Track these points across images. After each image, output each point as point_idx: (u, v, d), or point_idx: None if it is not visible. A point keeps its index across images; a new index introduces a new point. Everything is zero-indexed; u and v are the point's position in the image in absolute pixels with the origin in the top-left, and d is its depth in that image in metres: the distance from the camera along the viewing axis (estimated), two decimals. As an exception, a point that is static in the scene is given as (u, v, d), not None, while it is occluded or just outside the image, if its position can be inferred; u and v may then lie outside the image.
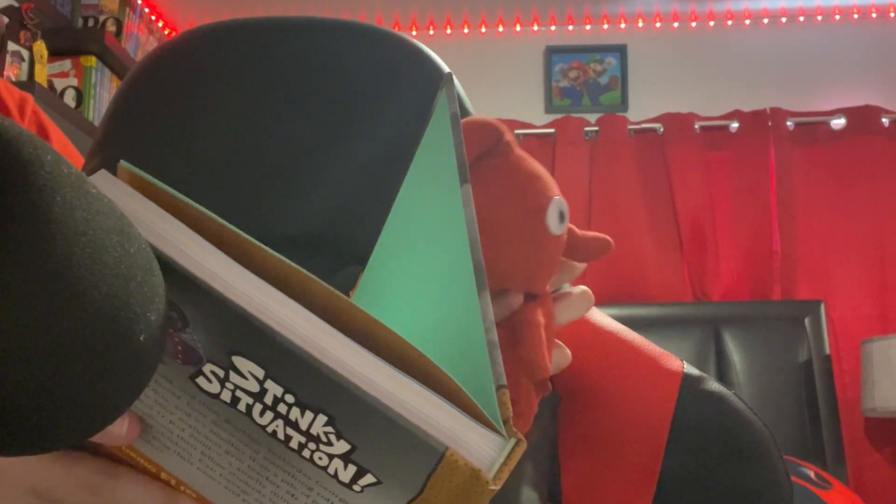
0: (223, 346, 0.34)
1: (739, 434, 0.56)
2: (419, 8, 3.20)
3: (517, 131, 3.06)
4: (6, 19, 2.21)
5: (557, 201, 0.50)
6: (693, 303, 2.95)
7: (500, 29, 3.26)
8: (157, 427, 0.39)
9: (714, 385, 0.58)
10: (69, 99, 2.48)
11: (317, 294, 0.33)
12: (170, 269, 0.33)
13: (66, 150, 0.76)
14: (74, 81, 2.52)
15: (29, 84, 2.16)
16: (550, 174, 0.52)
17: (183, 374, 0.35)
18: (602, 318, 0.61)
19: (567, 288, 0.54)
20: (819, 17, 3.18)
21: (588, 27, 3.26)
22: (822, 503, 2.14)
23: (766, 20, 3.21)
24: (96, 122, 2.51)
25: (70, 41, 2.53)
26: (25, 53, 2.22)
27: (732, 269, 3.00)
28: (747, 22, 3.22)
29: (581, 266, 0.54)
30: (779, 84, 3.14)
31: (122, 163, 0.36)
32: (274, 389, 0.33)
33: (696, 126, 3.06)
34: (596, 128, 3.09)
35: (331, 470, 0.34)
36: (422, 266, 0.43)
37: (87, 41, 2.55)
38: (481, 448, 0.32)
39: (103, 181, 0.34)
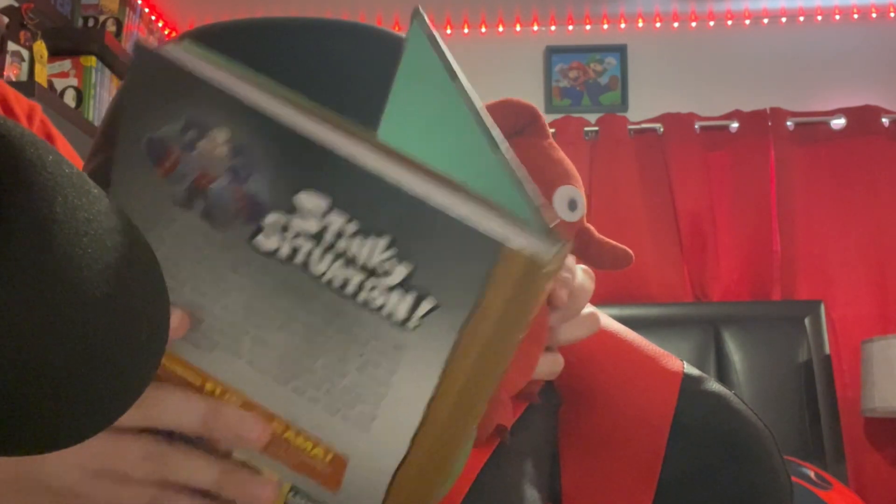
0: (290, 184, 0.36)
1: (740, 434, 0.56)
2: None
3: (517, 131, 3.06)
4: (6, 19, 2.21)
5: (570, 189, 0.50)
6: (693, 303, 2.94)
7: (500, 29, 3.26)
8: (207, 320, 0.39)
9: (714, 385, 0.58)
10: (69, 99, 2.48)
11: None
12: (247, 111, 0.35)
13: (70, 157, 0.76)
14: (74, 81, 2.52)
15: (29, 84, 2.16)
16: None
17: (241, 238, 0.37)
18: (602, 318, 0.61)
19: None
20: (819, 17, 3.18)
21: (588, 27, 3.25)
22: (822, 503, 2.14)
23: (766, 20, 3.21)
24: (96, 122, 2.51)
25: (70, 41, 2.53)
26: (25, 53, 2.22)
27: (732, 269, 2.99)
28: (747, 22, 3.22)
29: (585, 280, 0.53)
30: (779, 84, 3.14)
31: (186, 41, 0.38)
32: (336, 222, 0.35)
33: (696, 126, 3.06)
34: (596, 128, 3.09)
35: (386, 310, 0.36)
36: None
37: (87, 41, 2.55)
38: (533, 244, 0.34)
39: (178, 51, 0.36)
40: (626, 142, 3.06)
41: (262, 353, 0.39)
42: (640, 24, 3.24)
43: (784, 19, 3.20)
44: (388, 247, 0.35)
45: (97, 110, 2.55)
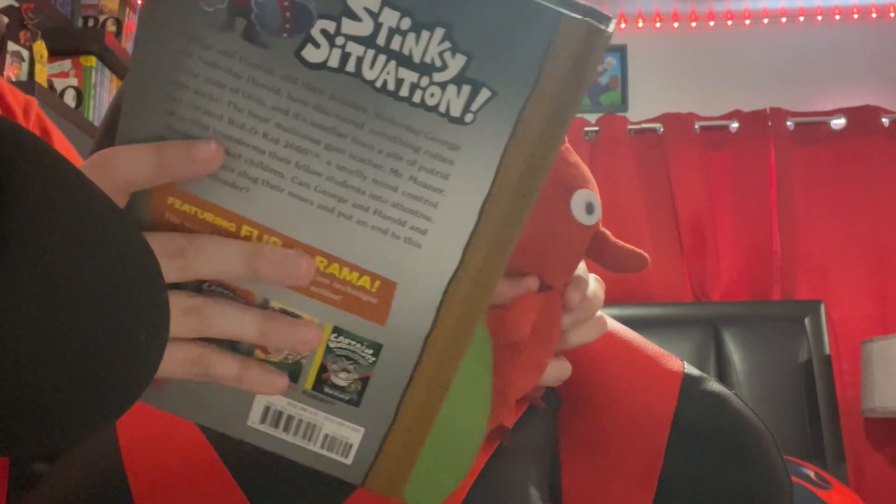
0: None
1: (740, 434, 0.56)
2: (419, 8, 3.20)
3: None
4: (6, 19, 2.21)
5: (588, 193, 0.50)
6: (693, 303, 2.95)
7: (500, 29, 3.26)
8: (245, 153, 0.38)
9: (714, 385, 0.58)
10: (69, 99, 2.48)
11: None
12: None
13: (68, 154, 0.76)
14: (74, 81, 2.52)
15: (29, 84, 2.16)
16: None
17: (287, 53, 0.36)
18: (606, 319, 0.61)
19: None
20: (819, 17, 3.18)
21: (588, 27, 3.25)
22: (823, 503, 2.14)
23: (766, 20, 3.21)
24: (96, 122, 2.51)
25: (70, 41, 2.53)
26: (25, 53, 2.22)
27: (732, 269, 2.99)
28: (747, 22, 3.22)
29: (597, 288, 0.53)
30: (779, 84, 3.14)
31: None
32: (389, 20, 0.35)
33: (696, 126, 3.06)
34: (596, 128, 3.09)
35: (442, 106, 0.36)
36: None
37: (87, 41, 2.54)
38: (589, 11, 0.34)
39: None
40: (626, 142, 3.06)
41: (307, 179, 0.38)
42: (640, 24, 3.24)
43: (784, 19, 3.20)
44: (444, 39, 0.35)
45: (97, 110, 2.55)
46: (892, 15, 3.16)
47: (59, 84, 2.49)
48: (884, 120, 3.02)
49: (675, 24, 3.23)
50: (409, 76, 0.36)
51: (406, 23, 0.35)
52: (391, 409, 0.43)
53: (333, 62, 0.36)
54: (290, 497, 0.50)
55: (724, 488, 0.56)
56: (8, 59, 2.16)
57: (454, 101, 0.36)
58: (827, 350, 2.77)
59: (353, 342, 0.41)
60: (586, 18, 0.34)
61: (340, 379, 0.43)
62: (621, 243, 0.51)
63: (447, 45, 0.35)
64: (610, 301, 3.20)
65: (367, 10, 0.35)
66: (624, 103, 3.19)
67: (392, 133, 0.37)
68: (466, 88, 0.36)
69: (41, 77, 2.25)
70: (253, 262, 0.38)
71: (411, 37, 0.35)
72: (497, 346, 0.48)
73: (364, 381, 0.42)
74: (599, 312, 0.55)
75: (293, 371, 0.42)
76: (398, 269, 0.39)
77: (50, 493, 0.52)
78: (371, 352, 0.41)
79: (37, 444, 0.31)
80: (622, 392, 0.58)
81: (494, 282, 0.40)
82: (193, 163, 0.37)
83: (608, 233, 0.52)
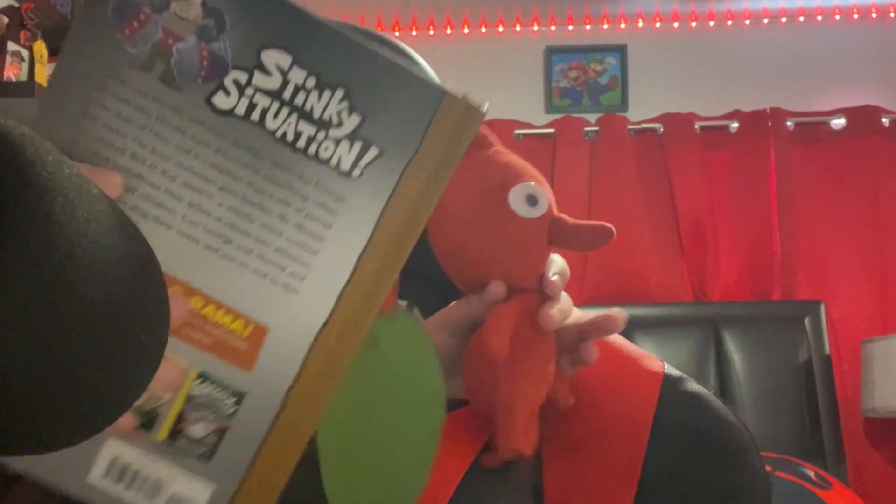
0: (256, 41, 0.38)
1: (718, 433, 0.58)
2: (419, 8, 3.20)
3: (517, 131, 3.06)
4: (6, 19, 2.21)
5: (526, 185, 0.50)
6: (693, 303, 2.94)
7: (500, 29, 3.26)
8: (141, 188, 0.39)
9: (694, 386, 0.59)
10: (69, 99, 2.48)
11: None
12: None
13: None
14: (74, 81, 2.52)
15: (29, 84, 2.16)
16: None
17: (198, 97, 0.39)
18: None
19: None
20: (819, 17, 3.18)
21: (588, 27, 3.25)
22: (823, 503, 2.14)
23: (766, 20, 3.21)
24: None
25: (70, 41, 2.53)
26: (25, 53, 2.22)
27: (732, 269, 2.99)
28: (747, 22, 3.21)
29: (557, 259, 0.53)
30: (779, 84, 3.14)
31: None
32: (296, 77, 0.39)
33: (696, 126, 3.06)
34: (596, 128, 3.09)
35: (334, 160, 0.40)
36: None
37: (87, 41, 2.54)
38: (469, 95, 0.40)
39: None
40: (626, 142, 3.06)
41: (197, 218, 0.40)
42: (640, 24, 3.24)
43: (784, 19, 3.20)
44: (343, 99, 0.39)
45: (97, 110, 2.54)
46: (892, 15, 3.16)
47: (59, 84, 2.49)
48: (884, 120, 3.02)
49: (675, 24, 3.23)
50: (308, 129, 0.39)
51: (311, 81, 0.39)
52: (244, 464, 0.42)
53: (240, 110, 0.39)
54: None
55: (704, 486, 0.57)
56: (8, 59, 2.16)
57: (345, 156, 0.40)
58: (827, 350, 2.77)
59: (217, 389, 0.42)
60: (465, 98, 0.40)
61: (197, 430, 0.42)
62: (581, 222, 0.51)
63: (345, 104, 0.39)
64: (610, 301, 3.18)
65: (278, 66, 0.39)
66: (624, 103, 3.19)
67: (285, 181, 0.40)
68: (357, 145, 0.40)
69: (41, 77, 2.25)
70: None
71: (314, 94, 0.39)
72: (485, 366, 0.48)
73: (221, 432, 0.42)
74: (578, 310, 0.55)
75: (149, 419, 0.42)
76: (272, 314, 0.41)
77: (30, 491, 0.51)
78: (233, 400, 0.42)
79: (37, 444, 0.31)
80: (604, 393, 0.58)
81: (360, 335, 0.42)
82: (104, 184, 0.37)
83: (566, 217, 0.52)
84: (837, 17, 3.17)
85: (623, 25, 3.24)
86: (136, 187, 0.39)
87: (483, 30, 3.26)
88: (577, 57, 3.23)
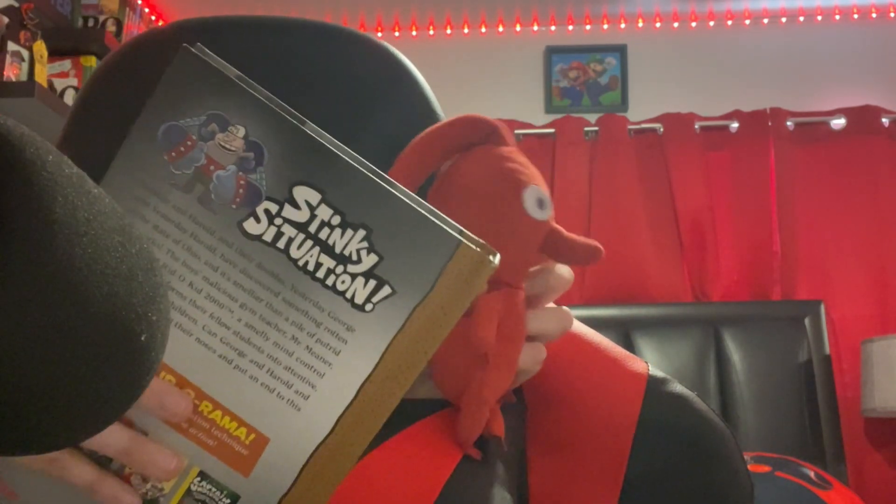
0: (290, 177, 0.42)
1: (702, 435, 0.58)
2: (419, 8, 3.20)
3: (517, 131, 3.06)
4: (6, 19, 2.21)
5: (538, 189, 0.51)
6: (693, 303, 2.94)
7: (500, 29, 3.26)
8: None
9: (678, 387, 0.60)
10: (69, 99, 2.48)
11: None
12: (265, 109, 0.42)
13: None
14: (74, 81, 2.52)
15: (29, 84, 2.16)
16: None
17: (231, 220, 0.42)
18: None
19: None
20: (819, 17, 3.18)
21: (588, 27, 3.25)
22: (823, 503, 2.14)
23: (766, 20, 3.21)
24: (96, 122, 2.51)
25: (70, 41, 2.53)
26: (25, 53, 2.22)
27: (732, 269, 2.99)
28: (747, 22, 3.22)
29: (564, 269, 0.54)
30: (779, 84, 3.14)
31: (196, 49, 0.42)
32: (323, 214, 0.42)
33: (696, 126, 3.06)
34: (596, 128, 3.09)
35: (349, 293, 0.42)
36: None
37: (87, 41, 2.54)
38: (482, 244, 0.42)
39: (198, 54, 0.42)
40: (626, 142, 3.06)
41: (216, 330, 0.43)
42: (640, 24, 3.24)
43: (784, 19, 3.20)
44: (363, 239, 0.42)
45: (97, 110, 2.54)
46: (892, 15, 3.16)
47: (59, 84, 2.49)
48: (884, 120, 3.02)
49: (675, 24, 3.23)
50: (328, 262, 0.42)
51: (336, 219, 0.42)
52: None
53: (268, 237, 0.42)
54: None
55: (687, 487, 0.57)
56: (8, 59, 2.16)
57: (360, 290, 0.42)
58: (827, 350, 2.77)
59: (214, 489, 0.45)
60: (479, 249, 0.42)
61: None
62: (574, 236, 0.53)
63: (365, 244, 0.42)
64: (610, 301, 3.18)
65: (307, 202, 0.42)
66: (624, 103, 3.19)
67: (301, 306, 0.42)
68: (372, 282, 0.42)
69: (41, 77, 2.25)
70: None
71: (337, 231, 0.42)
72: (470, 355, 0.50)
73: None
74: (566, 308, 0.55)
75: None
76: (275, 426, 0.44)
77: None
78: (228, 501, 0.45)
79: (37, 444, 0.31)
80: (588, 393, 0.59)
81: (355, 456, 0.44)
82: (163, 410, 0.42)
83: (562, 229, 0.53)
84: (837, 17, 3.18)
85: (623, 25, 3.24)
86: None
87: (483, 30, 3.26)
88: (577, 57, 3.23)
